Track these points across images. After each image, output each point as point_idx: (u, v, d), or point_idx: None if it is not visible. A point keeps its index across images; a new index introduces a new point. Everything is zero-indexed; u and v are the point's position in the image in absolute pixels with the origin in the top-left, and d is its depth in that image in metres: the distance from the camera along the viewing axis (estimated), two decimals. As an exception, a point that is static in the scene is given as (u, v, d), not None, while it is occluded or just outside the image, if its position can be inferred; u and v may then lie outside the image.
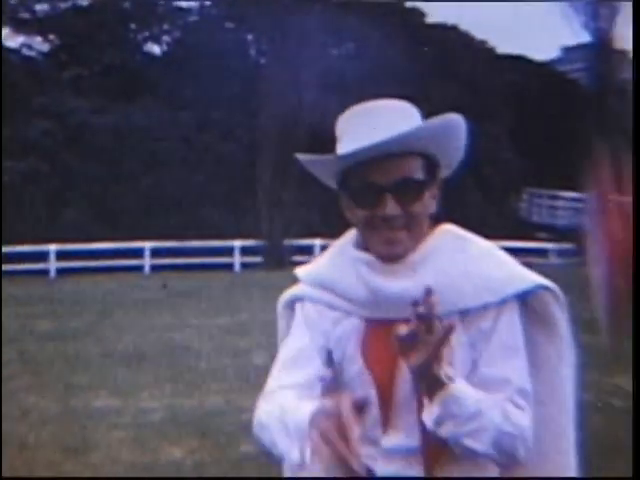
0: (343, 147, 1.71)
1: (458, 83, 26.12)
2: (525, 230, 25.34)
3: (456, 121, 1.70)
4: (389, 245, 1.70)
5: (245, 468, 5.10)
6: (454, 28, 30.77)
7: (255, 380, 6.63)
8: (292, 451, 1.59)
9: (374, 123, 1.67)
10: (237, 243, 21.99)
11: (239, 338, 9.80)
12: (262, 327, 9.13)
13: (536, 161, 26.88)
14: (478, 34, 31.73)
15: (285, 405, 1.66)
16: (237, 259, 22.22)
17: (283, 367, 1.79)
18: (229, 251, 22.02)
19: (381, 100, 1.72)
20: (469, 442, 1.60)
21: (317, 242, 19.91)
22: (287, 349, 1.82)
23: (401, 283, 1.68)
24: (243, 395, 6.80)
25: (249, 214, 22.26)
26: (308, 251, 19.18)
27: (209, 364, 8.53)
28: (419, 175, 1.69)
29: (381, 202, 1.66)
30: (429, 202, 1.73)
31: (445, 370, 1.56)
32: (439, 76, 24.48)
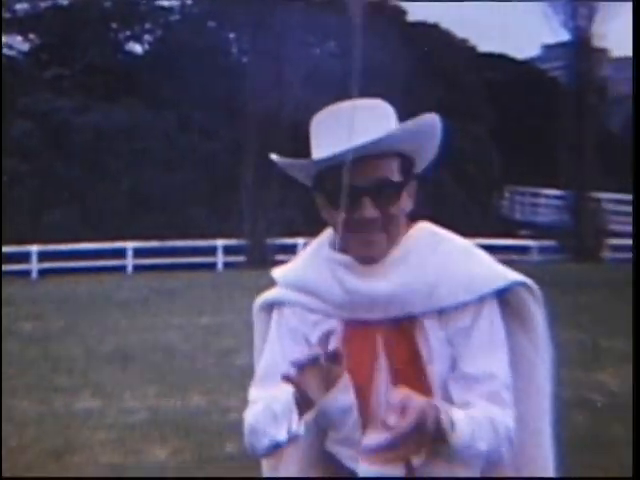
0: (319, 149, 1.70)
1: (440, 81, 26.17)
2: (507, 228, 25.44)
3: (433, 121, 1.70)
4: (367, 247, 1.69)
5: (229, 468, 5.09)
6: (435, 26, 30.83)
7: (238, 380, 6.62)
8: (280, 431, 1.62)
9: (350, 124, 1.66)
10: (220, 242, 21.94)
11: (222, 338, 9.78)
12: (245, 327, 9.05)
13: (517, 159, 26.97)
14: (459, 33, 31.85)
15: (267, 398, 1.69)
16: (220, 259, 22.17)
17: (258, 383, 1.82)
18: (212, 251, 21.98)
19: (356, 100, 1.70)
20: (461, 470, 1.63)
21: (300, 241, 19.89)
22: (261, 364, 1.84)
23: (379, 284, 1.68)
24: (226, 395, 6.80)
25: (232, 214, 22.22)
26: (291, 250, 19.17)
27: (192, 364, 8.51)
28: (396, 176, 1.69)
29: (359, 204, 1.66)
30: (406, 202, 1.72)
31: (445, 421, 1.55)
32: (421, 74, 24.52)
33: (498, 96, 28.28)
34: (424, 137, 1.70)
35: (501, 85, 29.01)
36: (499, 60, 31.45)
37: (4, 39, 27.22)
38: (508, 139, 27.21)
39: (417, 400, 1.50)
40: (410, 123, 1.67)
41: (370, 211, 1.66)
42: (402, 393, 1.51)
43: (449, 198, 24.02)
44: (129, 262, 21.52)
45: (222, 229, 21.77)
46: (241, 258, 21.96)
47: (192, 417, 6.45)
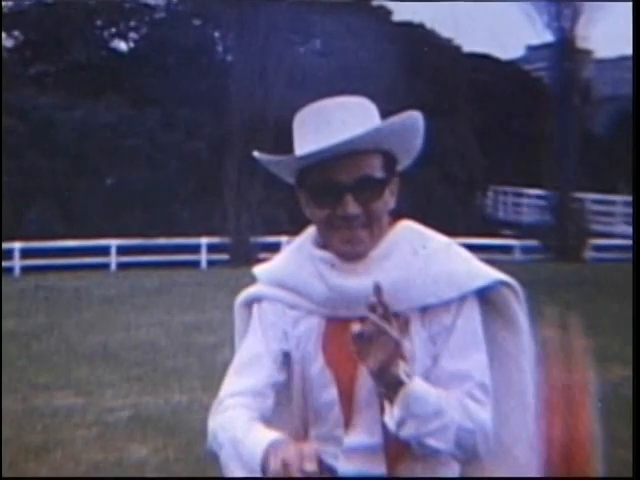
0: (302, 146, 1.70)
1: (424, 81, 26.23)
2: (490, 227, 25.53)
3: (415, 118, 1.70)
4: (350, 244, 1.69)
5: (210, 466, 5.08)
6: (421, 26, 30.90)
7: (221, 378, 6.61)
8: (243, 473, 1.60)
9: (333, 121, 1.66)
10: (203, 240, 21.90)
11: (205, 336, 9.77)
12: (228, 325, 9.02)
13: (501, 159, 27.08)
14: (444, 33, 31.92)
15: (237, 429, 1.64)
16: (204, 257, 22.13)
17: (235, 373, 1.79)
18: (196, 248, 21.93)
19: (339, 97, 1.71)
20: (431, 442, 1.60)
21: (283, 239, 19.89)
22: (240, 355, 1.82)
23: (361, 281, 1.67)
24: (209, 393, 6.77)
25: (216, 212, 22.18)
26: (274, 248, 19.14)
27: (175, 362, 8.49)
28: (379, 173, 1.69)
29: (341, 201, 1.66)
30: (389, 199, 1.73)
31: (404, 368, 1.56)
32: (406, 74, 24.57)
33: (482, 96, 28.37)
34: (406, 134, 1.70)
35: (485, 85, 29.10)
36: (484, 60, 31.55)
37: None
38: (492, 139, 27.32)
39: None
40: (392, 120, 1.67)
41: (353, 207, 1.66)
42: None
43: (432, 197, 24.08)
44: (112, 260, 21.44)
45: (206, 227, 21.74)
46: (225, 256, 21.93)
47: (174, 415, 6.44)
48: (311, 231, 1.81)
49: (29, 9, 27.11)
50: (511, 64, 34.99)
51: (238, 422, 1.67)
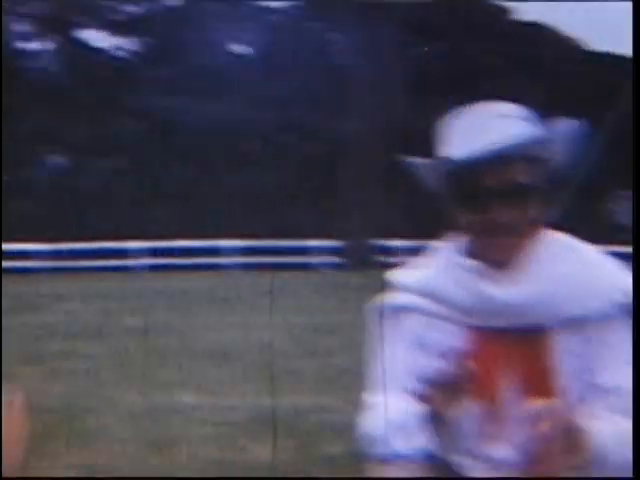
0: (453, 150, 1.68)
1: (549, 82, 25.66)
2: (621, 234, 24.78)
3: (571, 126, 1.67)
4: (499, 252, 1.66)
5: (327, 469, 5.09)
6: (543, 25, 30.26)
7: (337, 380, 6.62)
8: (407, 444, 1.61)
9: (487, 127, 1.64)
10: (318, 243, 22.05)
11: (322, 338, 9.82)
12: (344, 328, 9.09)
13: (631, 162, 26.24)
14: (569, 31, 31.11)
15: (392, 407, 1.66)
16: (319, 259, 22.28)
17: (379, 388, 1.75)
18: (312, 251, 22.11)
19: (493, 103, 1.70)
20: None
21: (398, 243, 19.83)
22: (385, 370, 1.78)
23: (511, 291, 1.64)
24: (325, 395, 6.80)
25: (331, 214, 22.29)
26: (389, 252, 19.10)
27: (292, 364, 8.54)
28: (531, 180, 1.66)
29: (492, 207, 1.63)
30: (539, 208, 1.69)
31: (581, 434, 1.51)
32: (529, 74, 24.09)
33: (609, 96, 27.56)
34: (560, 142, 1.67)
35: (612, 85, 28.26)
36: (611, 58, 30.65)
37: (115, 41, 28.08)
38: (621, 142, 26.50)
39: (556, 410, 1.48)
40: (547, 128, 1.66)
41: (502, 215, 1.63)
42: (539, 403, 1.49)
43: (563, 203, 23.52)
44: (230, 260, 21.85)
45: (321, 229, 21.86)
46: (340, 259, 22.02)
47: (291, 416, 6.47)
48: (454, 238, 1.78)
49: (153, 15, 27.94)
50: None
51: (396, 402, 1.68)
